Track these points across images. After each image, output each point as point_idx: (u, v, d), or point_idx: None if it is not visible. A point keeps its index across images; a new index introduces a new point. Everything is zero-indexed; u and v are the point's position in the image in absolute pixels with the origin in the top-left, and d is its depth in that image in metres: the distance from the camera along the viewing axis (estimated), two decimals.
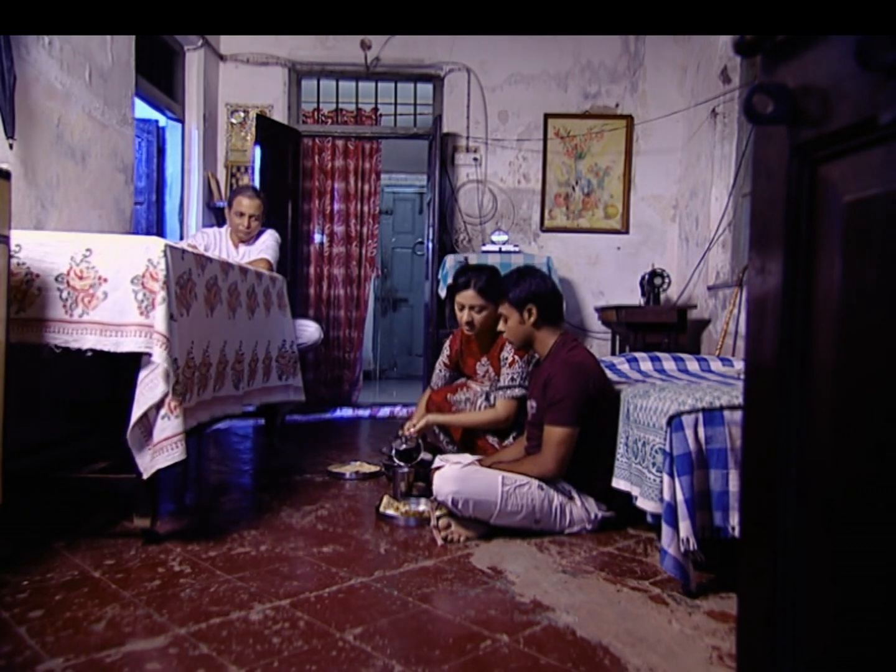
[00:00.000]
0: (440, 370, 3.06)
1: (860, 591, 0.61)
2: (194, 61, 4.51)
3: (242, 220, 3.53)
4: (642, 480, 1.91)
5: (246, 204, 3.54)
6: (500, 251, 4.49)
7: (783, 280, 0.69)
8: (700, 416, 1.76)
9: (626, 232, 4.98)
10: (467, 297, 2.73)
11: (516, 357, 2.64)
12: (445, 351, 3.07)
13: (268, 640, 1.40)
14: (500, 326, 2.41)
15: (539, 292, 2.29)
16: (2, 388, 1.63)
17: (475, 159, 4.95)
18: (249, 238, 3.60)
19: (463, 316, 2.76)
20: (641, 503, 1.90)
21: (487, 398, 2.77)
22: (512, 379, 2.63)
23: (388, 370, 7.52)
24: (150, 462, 1.88)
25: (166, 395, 1.86)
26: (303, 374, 3.41)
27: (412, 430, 2.61)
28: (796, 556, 0.68)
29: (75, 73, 2.92)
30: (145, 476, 1.90)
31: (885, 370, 0.58)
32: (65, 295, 1.88)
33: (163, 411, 1.88)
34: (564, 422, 2.11)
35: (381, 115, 5.25)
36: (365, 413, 4.85)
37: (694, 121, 4.66)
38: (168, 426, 1.88)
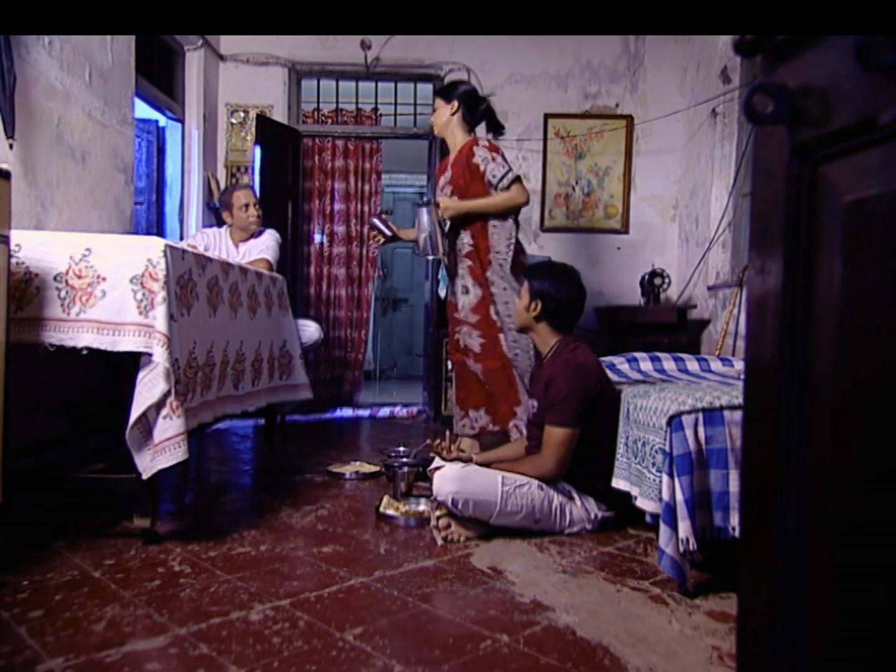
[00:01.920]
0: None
1: (860, 591, 0.61)
2: (194, 61, 4.51)
3: (251, 211, 3.57)
4: (642, 480, 1.91)
5: (245, 194, 3.60)
6: None
7: (783, 280, 0.69)
8: (700, 416, 1.76)
9: (626, 232, 4.98)
10: (435, 102, 3.13)
11: (494, 153, 2.92)
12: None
13: (268, 640, 1.40)
14: (516, 300, 2.42)
15: (551, 294, 2.28)
16: (2, 388, 1.63)
17: None
18: (259, 228, 3.63)
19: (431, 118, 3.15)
20: (641, 503, 1.90)
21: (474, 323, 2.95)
22: (504, 166, 2.90)
23: (388, 370, 7.52)
24: (151, 462, 1.88)
25: (167, 394, 1.86)
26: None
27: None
28: (796, 556, 0.68)
29: (75, 73, 2.92)
30: (145, 476, 1.90)
31: (885, 370, 0.58)
32: (63, 294, 1.88)
33: (164, 411, 1.88)
34: (565, 422, 2.11)
35: (381, 115, 5.25)
36: (365, 413, 4.85)
37: (694, 121, 4.66)
38: (170, 426, 1.87)
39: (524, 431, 2.72)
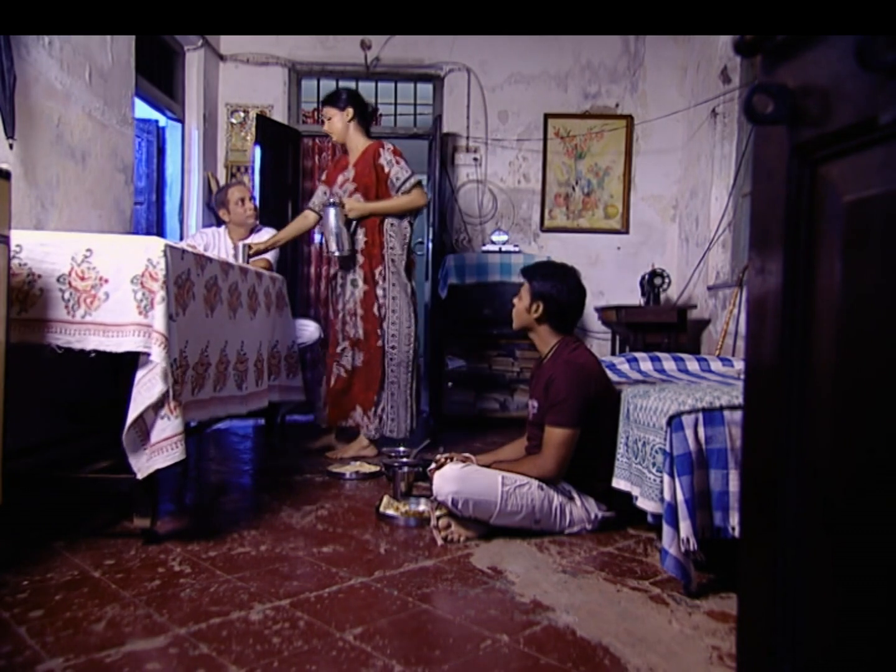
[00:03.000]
0: (318, 190, 3.45)
1: (860, 591, 0.61)
2: (194, 61, 4.51)
3: (247, 205, 3.62)
4: (642, 480, 1.91)
5: (240, 189, 3.68)
6: (500, 251, 4.49)
7: (783, 280, 0.69)
8: (700, 416, 1.76)
9: (626, 232, 4.98)
10: (324, 112, 3.32)
11: (398, 157, 3.19)
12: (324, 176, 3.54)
13: (268, 640, 1.39)
14: (515, 301, 2.39)
15: (553, 296, 2.27)
16: (2, 388, 1.63)
17: (475, 159, 4.95)
18: (256, 222, 3.67)
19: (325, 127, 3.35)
20: (641, 503, 1.90)
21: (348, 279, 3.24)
22: (407, 170, 3.19)
23: None
24: (147, 462, 1.88)
25: (165, 394, 1.86)
26: (302, 374, 3.41)
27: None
28: (796, 556, 0.68)
29: (75, 73, 2.92)
30: (140, 476, 1.89)
31: (885, 370, 0.58)
32: (66, 295, 1.88)
33: (162, 411, 1.87)
34: (565, 423, 2.11)
35: (381, 115, 5.25)
36: None
37: (694, 121, 4.66)
38: (168, 426, 1.87)
39: (382, 417, 3.20)
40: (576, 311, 2.35)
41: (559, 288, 2.28)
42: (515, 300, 2.39)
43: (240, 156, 4.87)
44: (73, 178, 2.92)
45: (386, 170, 3.18)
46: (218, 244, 3.63)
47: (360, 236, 3.20)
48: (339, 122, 3.25)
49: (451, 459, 2.22)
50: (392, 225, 3.20)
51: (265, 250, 3.39)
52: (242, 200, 3.60)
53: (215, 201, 3.78)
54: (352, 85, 5.09)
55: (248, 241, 3.61)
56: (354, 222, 3.22)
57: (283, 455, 3.37)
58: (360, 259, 3.21)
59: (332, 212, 3.15)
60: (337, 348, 3.29)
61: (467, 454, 2.39)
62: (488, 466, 2.20)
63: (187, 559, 1.86)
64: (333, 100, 3.28)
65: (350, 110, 3.24)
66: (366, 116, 3.32)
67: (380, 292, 3.19)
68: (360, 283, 3.21)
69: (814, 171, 0.66)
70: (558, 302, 2.28)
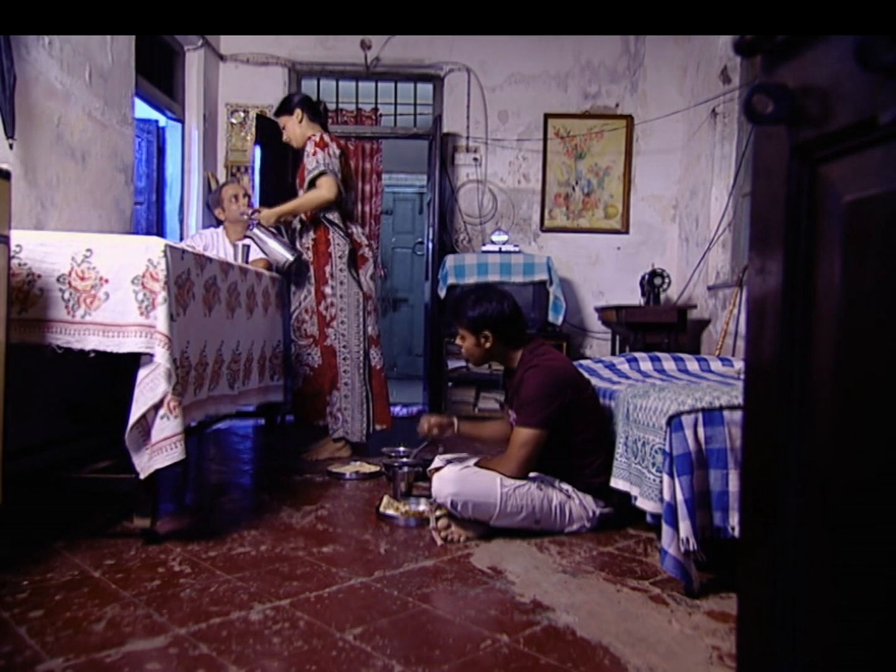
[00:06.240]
0: None
1: (860, 591, 0.61)
2: (194, 61, 4.51)
3: (241, 201, 3.63)
4: (642, 480, 1.91)
5: (234, 187, 3.72)
6: (500, 251, 4.49)
7: (783, 280, 0.69)
8: (700, 416, 1.76)
9: (626, 232, 4.98)
10: (280, 123, 3.28)
11: (317, 149, 3.06)
12: None
13: (268, 640, 1.40)
14: (458, 341, 2.36)
15: (493, 316, 2.22)
16: (2, 388, 1.63)
17: (475, 159, 4.95)
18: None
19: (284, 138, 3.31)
20: (641, 503, 1.90)
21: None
22: (318, 162, 3.05)
23: (388, 370, 7.50)
24: (148, 462, 1.88)
25: (167, 394, 1.86)
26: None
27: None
28: (796, 556, 0.68)
29: (75, 73, 2.92)
30: (142, 476, 1.90)
31: (885, 370, 0.58)
32: (66, 295, 1.88)
33: (162, 411, 1.88)
34: (530, 423, 2.11)
35: (381, 115, 5.25)
36: None
37: (694, 121, 4.66)
38: (167, 426, 1.87)
39: (339, 417, 3.18)
40: (520, 319, 2.30)
41: (490, 307, 2.23)
42: (459, 341, 2.35)
43: (240, 156, 4.88)
44: (73, 178, 2.92)
45: (304, 162, 3.13)
46: (216, 245, 3.63)
47: (311, 235, 3.18)
48: (293, 128, 3.22)
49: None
50: (330, 221, 3.15)
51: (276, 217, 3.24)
52: (236, 197, 3.61)
53: (211, 201, 3.80)
54: (351, 85, 5.11)
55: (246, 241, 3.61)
56: (284, 226, 3.26)
57: (283, 455, 3.37)
58: (311, 257, 3.19)
59: (256, 231, 3.13)
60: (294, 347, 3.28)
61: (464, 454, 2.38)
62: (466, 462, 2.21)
63: (187, 559, 1.86)
64: (281, 110, 3.26)
65: (298, 111, 3.20)
66: (317, 112, 3.26)
67: (328, 290, 3.16)
68: (313, 281, 3.20)
69: (814, 171, 0.66)
70: (500, 319, 2.23)
